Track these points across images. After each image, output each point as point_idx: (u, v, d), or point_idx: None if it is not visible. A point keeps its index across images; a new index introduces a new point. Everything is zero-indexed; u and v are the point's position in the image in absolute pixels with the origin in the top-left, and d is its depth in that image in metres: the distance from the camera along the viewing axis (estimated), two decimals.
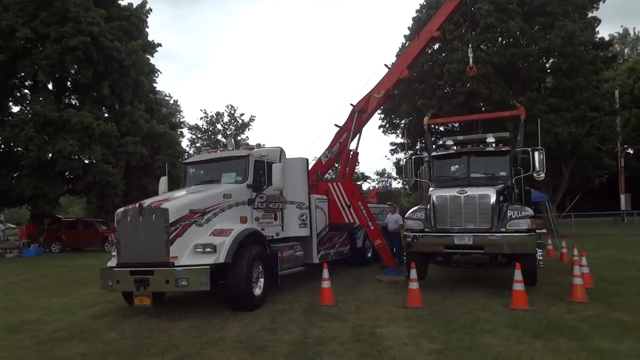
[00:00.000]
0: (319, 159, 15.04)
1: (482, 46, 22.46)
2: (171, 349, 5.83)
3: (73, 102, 28.40)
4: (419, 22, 25.41)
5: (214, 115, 62.59)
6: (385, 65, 14.06)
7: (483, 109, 24.63)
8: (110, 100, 27.44)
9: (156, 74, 31.49)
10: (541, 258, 9.12)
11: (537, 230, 18.71)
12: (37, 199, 24.25)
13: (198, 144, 65.10)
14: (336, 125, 14.86)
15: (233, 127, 65.54)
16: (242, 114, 62.21)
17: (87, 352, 5.83)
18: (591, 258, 14.87)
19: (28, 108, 25.65)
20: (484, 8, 21.40)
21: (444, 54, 24.93)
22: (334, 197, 12.03)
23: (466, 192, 8.88)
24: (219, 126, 64.63)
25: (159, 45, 31.46)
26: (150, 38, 30.47)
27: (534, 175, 10.00)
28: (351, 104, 14.18)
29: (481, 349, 5.49)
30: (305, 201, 10.77)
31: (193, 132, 63.81)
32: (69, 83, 28.15)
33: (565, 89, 22.15)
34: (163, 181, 10.47)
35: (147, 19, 29.92)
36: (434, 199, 9.13)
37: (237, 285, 7.78)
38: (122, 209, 8.15)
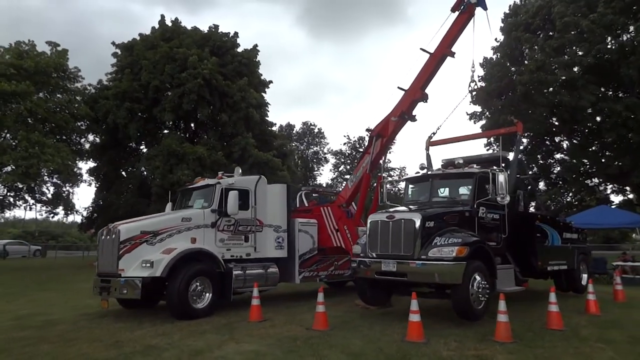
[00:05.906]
0: (346, 184, 15.58)
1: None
2: (68, 341, 7.36)
3: (202, 135, 33.50)
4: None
5: (356, 140, 65.80)
6: (399, 87, 14.03)
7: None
8: (230, 129, 31.68)
9: (267, 107, 35.13)
10: (481, 289, 8.25)
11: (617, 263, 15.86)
12: None
13: (341, 168, 69.26)
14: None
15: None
16: None
17: (21, 337, 7.74)
18: None
19: (159, 144, 31.17)
20: (555, 9, 19.06)
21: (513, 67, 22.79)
22: (324, 221, 12.47)
23: (394, 217, 8.70)
24: (361, 150, 67.78)
25: (270, 82, 35.59)
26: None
27: (498, 199, 9.16)
28: (367, 130, 14.49)
29: None
30: (283, 225, 11.52)
31: (337, 157, 68.19)
32: (195, 120, 33.35)
33: None
34: (168, 207, 12.35)
35: (257, 59, 33.98)
36: (368, 224, 9.12)
37: (171, 296, 9.06)
38: (101, 230, 10.18)
